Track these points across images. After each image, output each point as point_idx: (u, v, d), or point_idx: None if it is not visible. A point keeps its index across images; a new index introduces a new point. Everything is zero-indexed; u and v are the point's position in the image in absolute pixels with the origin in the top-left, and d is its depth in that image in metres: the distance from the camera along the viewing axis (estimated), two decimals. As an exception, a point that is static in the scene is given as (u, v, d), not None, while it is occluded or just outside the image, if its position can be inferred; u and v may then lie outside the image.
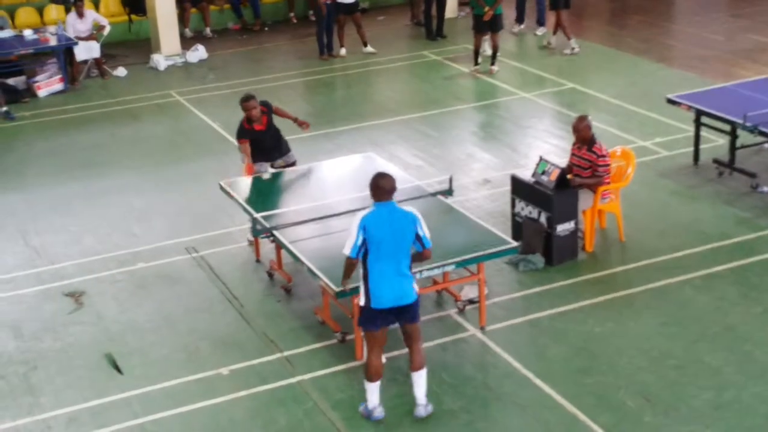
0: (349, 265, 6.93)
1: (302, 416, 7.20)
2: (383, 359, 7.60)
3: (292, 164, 10.21)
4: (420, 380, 7.03)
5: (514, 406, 7.20)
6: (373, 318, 6.87)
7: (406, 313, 6.90)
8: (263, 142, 10.01)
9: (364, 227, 6.71)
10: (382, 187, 6.83)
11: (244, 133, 9.92)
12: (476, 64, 15.59)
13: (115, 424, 7.24)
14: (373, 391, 7.02)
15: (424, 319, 8.13)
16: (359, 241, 6.73)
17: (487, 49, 15.73)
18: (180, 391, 7.60)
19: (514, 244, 8.25)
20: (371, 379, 6.98)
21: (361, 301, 6.91)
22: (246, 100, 9.86)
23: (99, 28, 16.33)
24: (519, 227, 9.40)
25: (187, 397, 7.50)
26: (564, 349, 7.90)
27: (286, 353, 8.00)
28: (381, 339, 6.96)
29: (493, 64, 15.50)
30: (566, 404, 7.18)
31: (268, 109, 10.07)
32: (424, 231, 6.88)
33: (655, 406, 7.12)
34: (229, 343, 8.23)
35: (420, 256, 6.99)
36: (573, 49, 16.22)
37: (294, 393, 7.49)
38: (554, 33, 16.66)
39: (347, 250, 6.80)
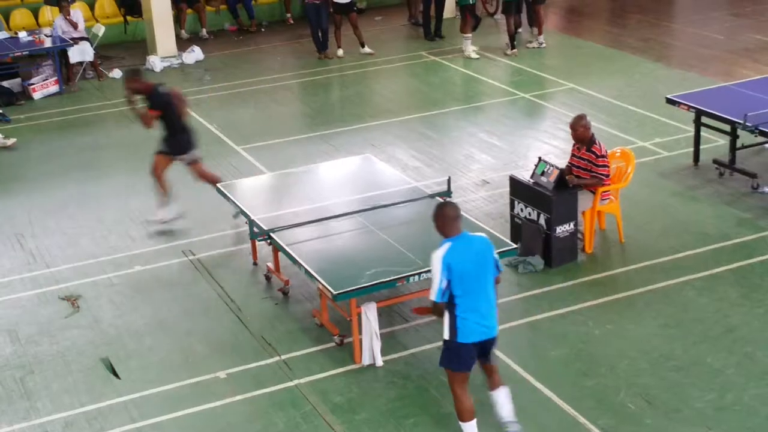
0: (436, 309, 6.41)
1: (300, 420, 7.14)
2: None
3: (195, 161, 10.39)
4: (501, 399, 6.73)
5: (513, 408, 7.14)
6: (457, 353, 6.36)
7: (489, 347, 6.52)
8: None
9: (448, 267, 6.20)
10: (449, 215, 6.31)
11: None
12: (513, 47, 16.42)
13: (111, 428, 7.19)
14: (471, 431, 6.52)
15: (422, 322, 8.12)
16: (443, 284, 6.21)
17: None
18: (177, 394, 7.55)
19: (513, 245, 8.21)
20: (464, 419, 6.51)
21: (445, 334, 6.41)
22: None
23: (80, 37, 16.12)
24: (518, 229, 9.34)
25: (184, 401, 7.45)
26: (564, 352, 7.85)
27: (283, 356, 7.94)
28: (466, 374, 6.49)
29: (511, 48, 16.29)
30: (566, 407, 7.13)
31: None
32: (496, 255, 6.51)
33: (656, 409, 7.07)
34: (227, 346, 8.17)
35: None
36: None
37: (292, 396, 7.43)
38: (537, 30, 16.87)
39: (432, 296, 6.29)
